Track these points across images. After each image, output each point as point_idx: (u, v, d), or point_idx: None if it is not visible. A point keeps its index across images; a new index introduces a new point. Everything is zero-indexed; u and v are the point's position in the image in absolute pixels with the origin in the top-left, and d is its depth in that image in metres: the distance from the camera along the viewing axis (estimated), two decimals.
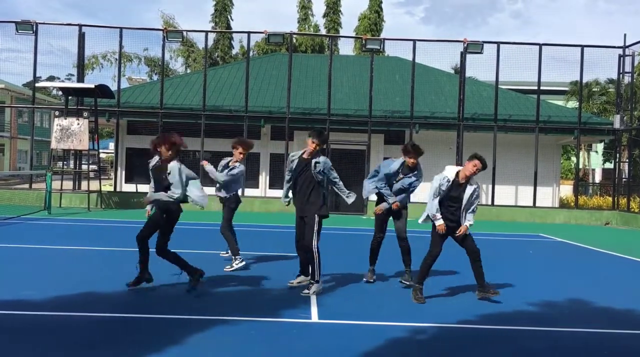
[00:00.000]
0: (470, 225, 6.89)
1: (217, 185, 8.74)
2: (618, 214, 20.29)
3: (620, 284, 8.90)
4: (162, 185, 6.87)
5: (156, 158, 6.97)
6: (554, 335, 5.89)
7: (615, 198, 21.27)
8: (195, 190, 6.95)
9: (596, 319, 6.58)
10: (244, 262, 8.52)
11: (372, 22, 39.97)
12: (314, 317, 6.15)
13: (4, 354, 4.70)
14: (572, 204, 22.46)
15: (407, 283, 7.65)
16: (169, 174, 6.75)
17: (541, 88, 20.84)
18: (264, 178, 22.30)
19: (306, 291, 7.03)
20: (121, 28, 20.47)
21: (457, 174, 6.88)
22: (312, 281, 7.10)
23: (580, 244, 13.76)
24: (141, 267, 7.04)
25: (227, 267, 8.43)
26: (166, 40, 20.73)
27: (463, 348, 5.35)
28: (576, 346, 5.55)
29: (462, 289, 7.70)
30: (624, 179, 22.38)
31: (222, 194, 8.68)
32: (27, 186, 21.37)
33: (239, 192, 8.95)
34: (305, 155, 7.23)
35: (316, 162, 7.13)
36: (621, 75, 21.39)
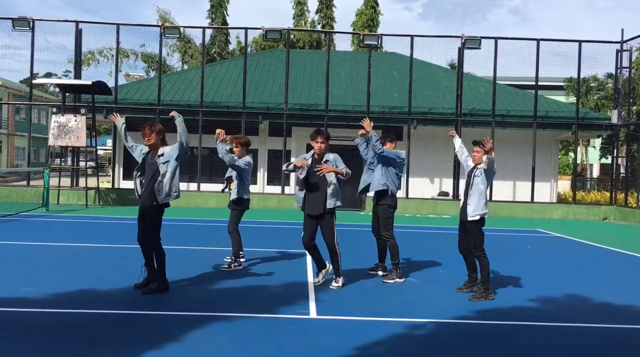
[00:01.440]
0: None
1: (227, 187, 8.46)
2: (616, 209, 20.32)
3: (618, 279, 8.92)
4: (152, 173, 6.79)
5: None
6: (552, 330, 5.90)
7: (613, 193, 21.31)
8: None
9: (594, 314, 6.60)
10: (241, 266, 8.40)
11: (369, 17, 39.90)
12: (312, 313, 6.16)
13: (4, 351, 4.70)
14: (570, 199, 22.49)
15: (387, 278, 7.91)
16: (162, 156, 6.74)
17: (539, 83, 20.85)
18: (261, 174, 22.28)
19: (335, 284, 7.32)
20: (118, 24, 20.40)
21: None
22: (338, 277, 7.37)
23: (578, 239, 13.78)
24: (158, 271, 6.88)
25: (224, 266, 8.38)
26: (163, 37, 20.69)
27: (460, 343, 5.36)
28: (575, 341, 5.57)
29: (458, 285, 7.70)
30: (621, 174, 22.41)
31: (232, 196, 8.34)
32: (24, 182, 21.36)
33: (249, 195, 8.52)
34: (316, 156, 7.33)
35: (326, 160, 7.24)
36: (619, 70, 21.41)
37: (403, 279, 7.85)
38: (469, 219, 7.04)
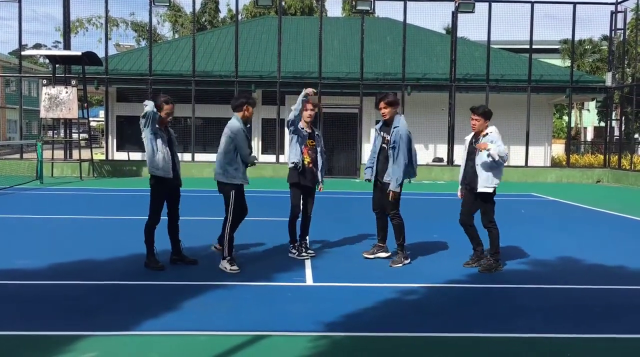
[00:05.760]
0: (488, 151, 6.40)
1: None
2: (609, 172, 20.41)
3: (611, 241, 9.00)
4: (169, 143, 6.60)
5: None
6: (546, 293, 5.98)
7: (607, 156, 21.37)
8: None
9: (588, 276, 6.68)
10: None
11: None
12: (309, 280, 6.21)
13: (1, 322, 4.72)
14: (564, 162, 22.56)
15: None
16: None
17: (533, 47, 20.68)
18: (256, 143, 22.18)
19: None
20: None
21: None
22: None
23: (572, 202, 13.86)
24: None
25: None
26: (153, 5, 20.35)
27: (454, 307, 5.42)
28: (569, 303, 5.63)
29: (452, 250, 7.76)
30: (615, 137, 22.45)
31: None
32: (18, 156, 21.25)
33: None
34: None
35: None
36: (613, 32, 21.25)
37: (409, 260, 7.01)
38: (480, 190, 6.53)
